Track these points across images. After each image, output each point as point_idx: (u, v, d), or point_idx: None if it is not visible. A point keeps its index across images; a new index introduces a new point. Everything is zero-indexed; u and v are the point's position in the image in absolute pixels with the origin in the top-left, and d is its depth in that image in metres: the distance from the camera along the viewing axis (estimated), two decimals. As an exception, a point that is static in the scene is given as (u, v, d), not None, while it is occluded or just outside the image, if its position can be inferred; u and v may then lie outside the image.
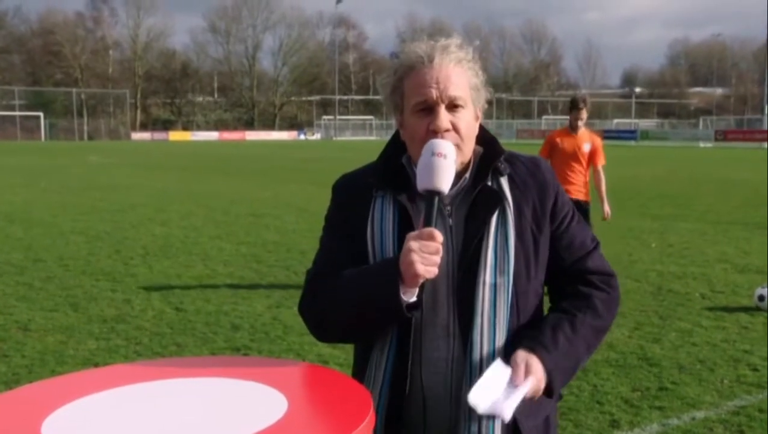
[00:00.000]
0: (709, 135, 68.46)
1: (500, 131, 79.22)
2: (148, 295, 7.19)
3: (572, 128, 7.31)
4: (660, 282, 7.80)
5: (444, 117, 1.64)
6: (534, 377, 1.60)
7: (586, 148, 7.30)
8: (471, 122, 1.70)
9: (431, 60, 1.66)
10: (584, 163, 7.30)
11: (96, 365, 5.07)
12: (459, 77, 1.67)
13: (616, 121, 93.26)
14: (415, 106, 1.67)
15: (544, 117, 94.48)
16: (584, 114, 7.26)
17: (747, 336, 5.82)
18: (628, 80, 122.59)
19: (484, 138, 1.78)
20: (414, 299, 1.59)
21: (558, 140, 7.37)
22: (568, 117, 7.49)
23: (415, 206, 1.68)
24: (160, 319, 6.34)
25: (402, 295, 1.57)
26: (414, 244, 1.54)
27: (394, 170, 1.76)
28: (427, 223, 1.57)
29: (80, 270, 8.35)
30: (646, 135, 72.66)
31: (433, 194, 1.58)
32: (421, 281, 1.56)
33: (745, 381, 4.84)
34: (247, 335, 5.88)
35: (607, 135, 71.14)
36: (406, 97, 1.70)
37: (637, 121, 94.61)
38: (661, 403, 4.46)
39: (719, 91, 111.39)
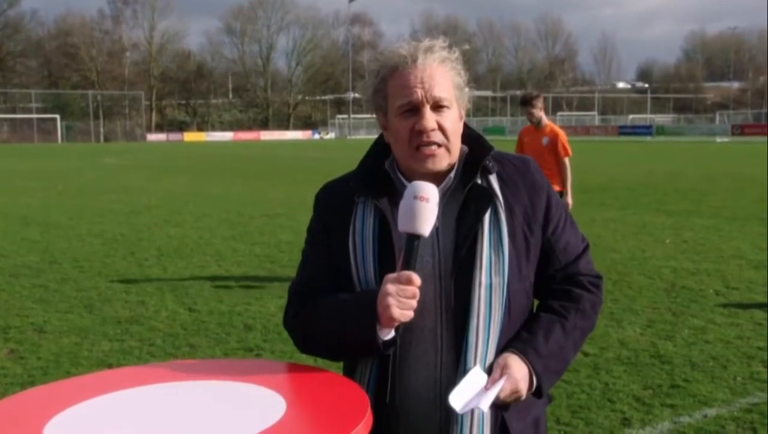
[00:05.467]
0: (726, 130, 67.97)
1: (515, 128, 78.96)
2: (162, 296, 7.24)
3: (533, 124, 7.70)
4: (673, 279, 7.76)
5: (430, 117, 1.61)
6: (511, 378, 1.58)
7: (544, 142, 7.59)
8: (456, 121, 1.67)
9: (414, 60, 1.63)
10: (547, 157, 7.43)
11: (110, 366, 5.12)
12: (443, 77, 1.64)
13: (631, 116, 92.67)
14: (400, 107, 1.64)
15: (559, 113, 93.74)
16: (531, 110, 7.53)
17: (761, 333, 5.78)
18: (644, 75, 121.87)
19: (470, 136, 1.74)
20: (391, 335, 1.58)
21: (524, 136, 7.87)
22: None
23: (396, 211, 1.62)
24: (174, 320, 6.39)
25: (378, 332, 1.57)
26: (391, 288, 1.53)
27: (377, 175, 1.72)
28: (407, 266, 1.54)
29: (95, 272, 8.42)
30: (661, 130, 72.28)
31: (414, 237, 1.55)
32: (396, 324, 1.55)
33: (759, 378, 4.81)
34: (259, 335, 5.91)
35: (622, 131, 70.93)
36: (390, 99, 1.66)
37: (652, 116, 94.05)
38: (673, 401, 4.45)
39: (736, 85, 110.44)
